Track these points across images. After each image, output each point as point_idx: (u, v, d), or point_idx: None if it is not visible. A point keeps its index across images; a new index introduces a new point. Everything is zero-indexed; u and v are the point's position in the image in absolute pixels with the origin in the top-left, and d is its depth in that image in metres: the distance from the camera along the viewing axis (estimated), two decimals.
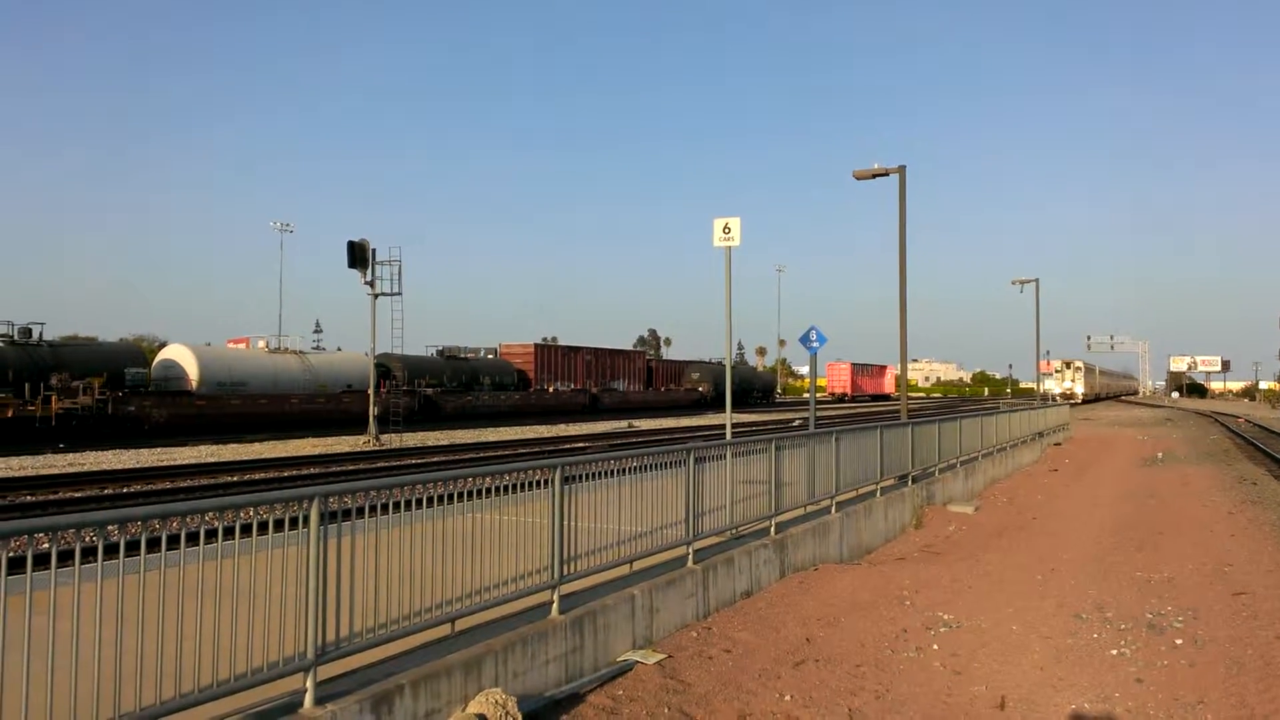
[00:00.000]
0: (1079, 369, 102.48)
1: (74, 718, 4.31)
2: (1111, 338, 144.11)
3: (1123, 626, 9.91)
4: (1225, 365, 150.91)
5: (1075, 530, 16.62)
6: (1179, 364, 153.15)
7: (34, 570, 4.25)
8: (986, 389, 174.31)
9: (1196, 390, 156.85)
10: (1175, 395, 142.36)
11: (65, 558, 4.38)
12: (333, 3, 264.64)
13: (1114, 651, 9.12)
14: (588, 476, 8.15)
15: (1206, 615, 10.24)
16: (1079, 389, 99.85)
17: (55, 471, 24.72)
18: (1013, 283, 52.48)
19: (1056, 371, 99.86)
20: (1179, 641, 9.31)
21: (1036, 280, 51.63)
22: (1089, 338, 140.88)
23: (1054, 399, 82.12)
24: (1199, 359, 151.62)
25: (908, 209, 24.49)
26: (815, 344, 22.24)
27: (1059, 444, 37.49)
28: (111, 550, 4.51)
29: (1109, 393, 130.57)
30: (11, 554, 4.19)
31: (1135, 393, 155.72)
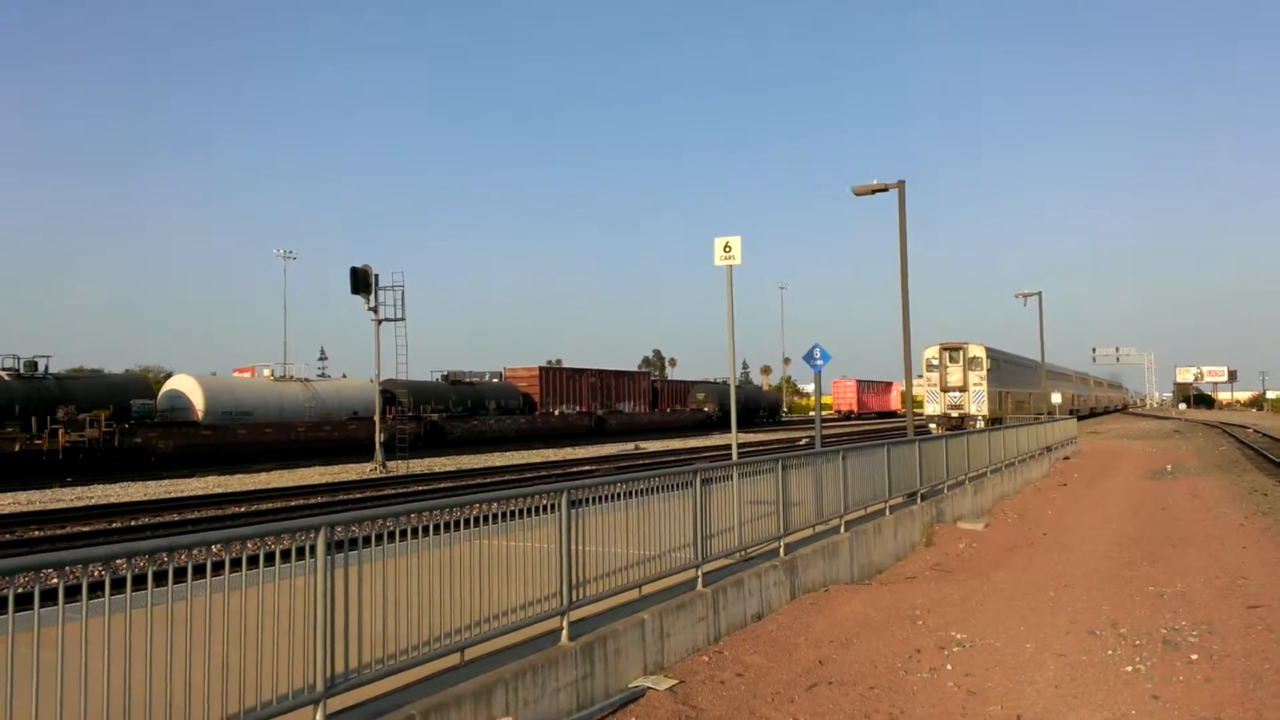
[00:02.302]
0: (976, 362, 50.00)
1: None
2: (1117, 349, 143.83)
3: (1137, 642, 9.82)
4: (1232, 375, 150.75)
5: (1086, 545, 16.52)
6: (1185, 375, 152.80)
7: (41, 606, 4.23)
8: None
9: (1204, 401, 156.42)
10: (1182, 406, 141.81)
11: (73, 593, 4.37)
12: (322, 19, 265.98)
13: (1129, 668, 9.04)
14: (595, 500, 8.12)
15: (1222, 629, 10.14)
16: (974, 404, 49.60)
17: (63, 505, 24.71)
18: (1016, 296, 52.45)
19: (929, 369, 50.55)
20: (1194, 657, 9.23)
21: (1040, 293, 51.64)
22: (1094, 349, 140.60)
23: (928, 427, 45.49)
24: (1205, 369, 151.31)
25: (909, 222, 24.54)
26: (819, 361, 22.22)
27: (1067, 458, 37.35)
28: (119, 584, 4.50)
29: (1065, 407, 72.38)
30: (19, 590, 4.17)
31: (1124, 407, 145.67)
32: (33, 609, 4.16)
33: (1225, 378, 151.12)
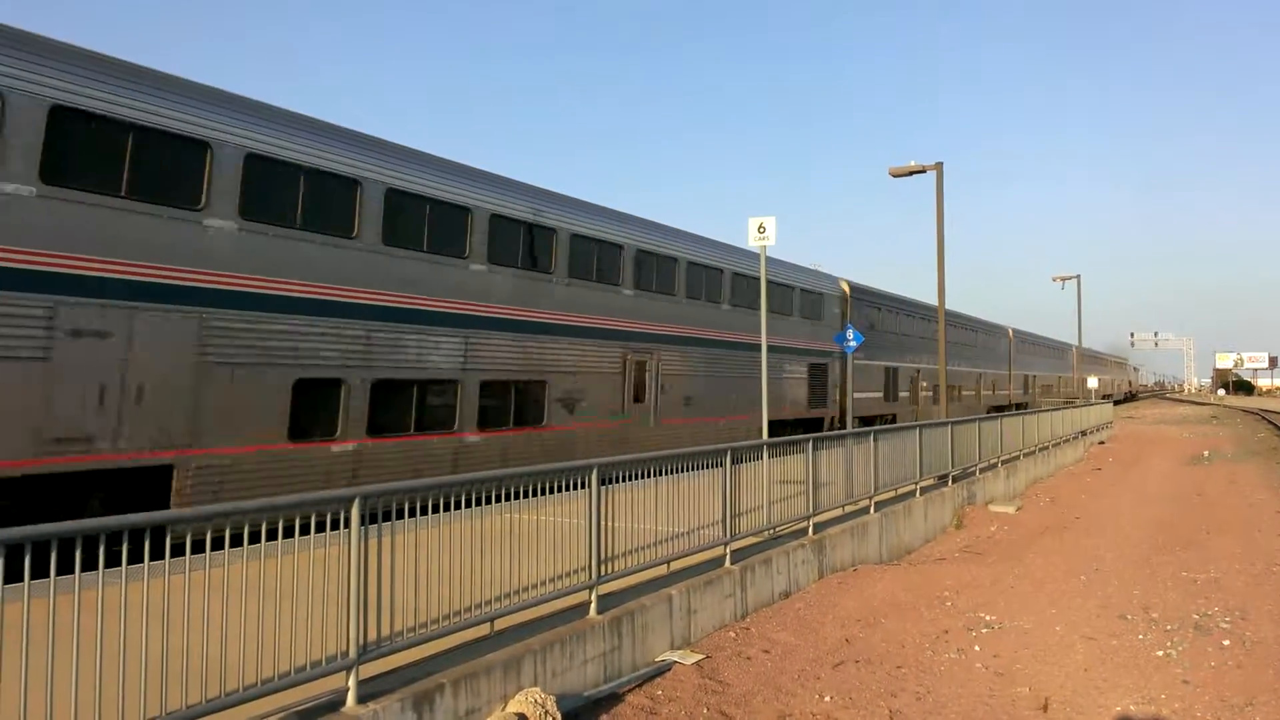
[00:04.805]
0: None
1: (121, 715, 4.40)
2: (1155, 334, 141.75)
3: (1169, 627, 9.75)
4: (1273, 361, 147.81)
5: (1119, 530, 16.38)
6: (1224, 360, 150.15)
7: (82, 571, 4.33)
8: None
9: (1243, 387, 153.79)
10: (1221, 392, 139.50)
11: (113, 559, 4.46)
12: (370, 12, 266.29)
13: (1160, 653, 8.98)
14: (625, 477, 8.16)
15: (1255, 616, 10.04)
16: None
17: None
18: (1054, 279, 51.85)
19: None
20: (1226, 642, 9.15)
21: (1078, 276, 50.99)
22: (1132, 335, 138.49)
23: None
24: (1245, 355, 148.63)
25: (946, 206, 24.25)
26: (851, 343, 22.14)
27: (1102, 442, 36.97)
28: (158, 552, 4.59)
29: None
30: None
31: (1131, 394, 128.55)
32: (73, 574, 4.25)
33: (1266, 364, 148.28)
